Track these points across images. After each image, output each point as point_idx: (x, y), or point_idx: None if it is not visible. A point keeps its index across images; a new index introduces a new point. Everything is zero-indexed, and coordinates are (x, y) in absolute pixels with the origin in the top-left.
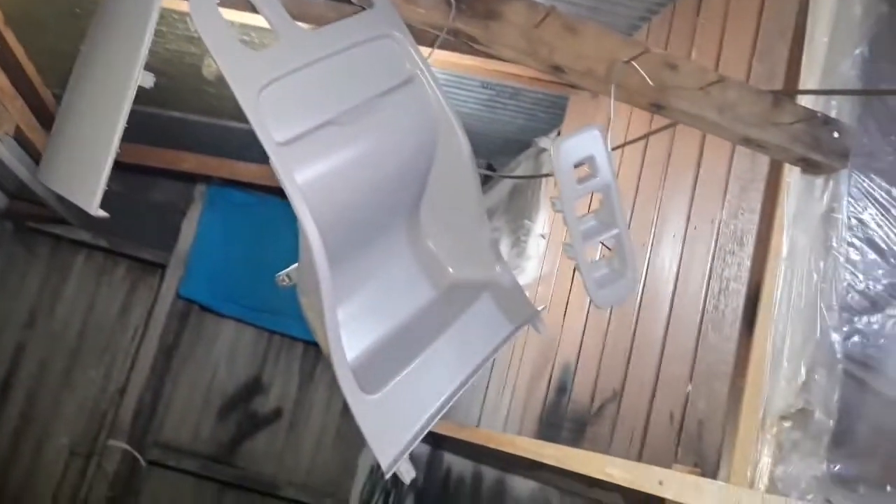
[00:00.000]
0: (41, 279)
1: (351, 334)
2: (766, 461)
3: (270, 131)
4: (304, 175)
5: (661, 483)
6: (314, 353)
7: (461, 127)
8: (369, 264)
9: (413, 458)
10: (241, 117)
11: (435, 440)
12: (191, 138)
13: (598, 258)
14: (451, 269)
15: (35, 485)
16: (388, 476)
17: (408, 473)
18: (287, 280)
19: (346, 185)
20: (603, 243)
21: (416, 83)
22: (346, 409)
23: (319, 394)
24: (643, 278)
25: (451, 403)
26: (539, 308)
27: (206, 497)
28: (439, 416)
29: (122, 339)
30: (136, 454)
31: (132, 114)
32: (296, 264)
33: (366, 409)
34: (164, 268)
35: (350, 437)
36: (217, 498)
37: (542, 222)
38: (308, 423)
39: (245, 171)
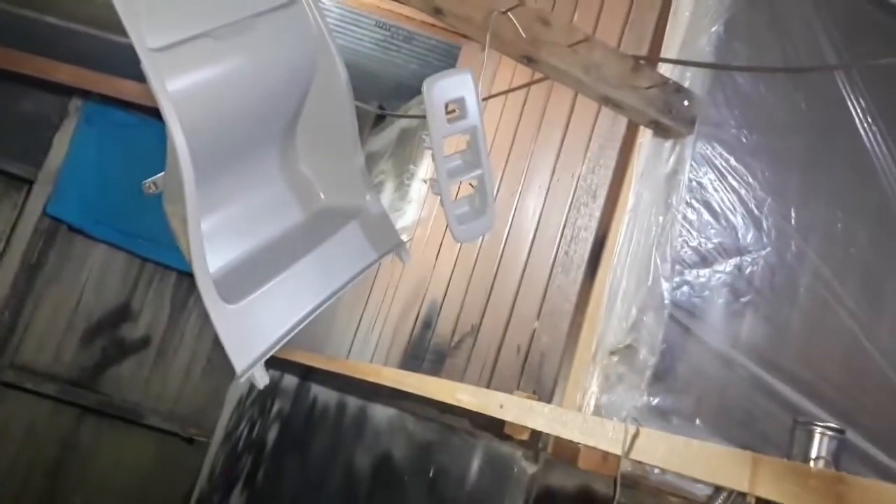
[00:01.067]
0: None
1: (215, 246)
2: (594, 390)
3: (144, 36)
4: (175, 84)
5: (501, 406)
6: (187, 282)
7: (339, 54)
8: (239, 181)
9: (281, 390)
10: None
11: (303, 372)
12: (70, 49)
13: (460, 196)
14: (322, 195)
15: None
16: (241, 380)
17: (261, 379)
18: (153, 188)
19: (219, 100)
20: (470, 184)
21: (298, 6)
22: (217, 341)
23: (191, 324)
24: (509, 224)
25: (307, 321)
26: (404, 239)
27: (64, 422)
28: (295, 332)
29: None
30: None
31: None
32: (163, 172)
33: (224, 318)
34: (31, 183)
35: (220, 368)
36: (76, 423)
37: (426, 168)
38: (177, 353)
39: (127, 88)
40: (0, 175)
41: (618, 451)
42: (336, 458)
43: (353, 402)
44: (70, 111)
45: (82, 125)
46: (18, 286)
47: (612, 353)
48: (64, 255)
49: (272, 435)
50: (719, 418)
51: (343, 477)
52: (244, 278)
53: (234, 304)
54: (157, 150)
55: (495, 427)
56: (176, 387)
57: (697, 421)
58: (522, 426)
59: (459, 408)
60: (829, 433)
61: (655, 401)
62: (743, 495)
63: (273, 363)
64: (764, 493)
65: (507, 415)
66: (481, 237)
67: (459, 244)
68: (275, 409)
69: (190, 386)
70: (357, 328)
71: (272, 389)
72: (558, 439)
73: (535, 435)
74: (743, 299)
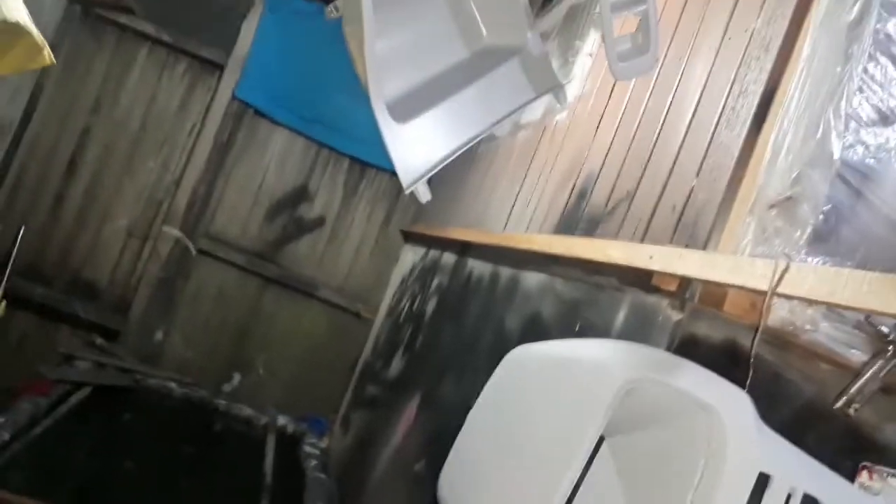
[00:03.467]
0: (106, 67)
1: (386, 72)
2: (748, 240)
3: None
4: None
5: (651, 258)
6: (359, 168)
7: None
8: (410, 11)
9: (440, 266)
10: None
11: (461, 248)
12: None
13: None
14: (485, 32)
15: (96, 261)
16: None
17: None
18: (335, 12)
19: None
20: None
21: None
22: (385, 224)
23: (361, 208)
24: (675, 89)
25: (467, 146)
26: (563, 82)
27: (249, 288)
28: (455, 155)
29: (180, 134)
30: (188, 242)
31: None
32: None
33: (394, 135)
34: (222, 68)
35: (385, 251)
36: (260, 291)
37: (591, 42)
38: (349, 234)
39: None
40: (196, 60)
41: (765, 286)
42: (488, 321)
43: (505, 272)
44: (255, 0)
45: (266, 13)
46: (211, 164)
47: (772, 206)
48: (250, 136)
49: (430, 307)
50: None
51: (493, 336)
52: (412, 103)
53: (402, 123)
54: (334, 39)
55: (643, 282)
56: (346, 265)
57: None
58: (671, 276)
59: (608, 267)
60: None
61: (815, 261)
62: None
63: (435, 244)
64: None
65: (656, 265)
66: (639, 77)
67: (621, 116)
68: (434, 283)
69: (359, 265)
70: (514, 203)
71: (433, 267)
72: (706, 287)
73: (684, 285)
74: None
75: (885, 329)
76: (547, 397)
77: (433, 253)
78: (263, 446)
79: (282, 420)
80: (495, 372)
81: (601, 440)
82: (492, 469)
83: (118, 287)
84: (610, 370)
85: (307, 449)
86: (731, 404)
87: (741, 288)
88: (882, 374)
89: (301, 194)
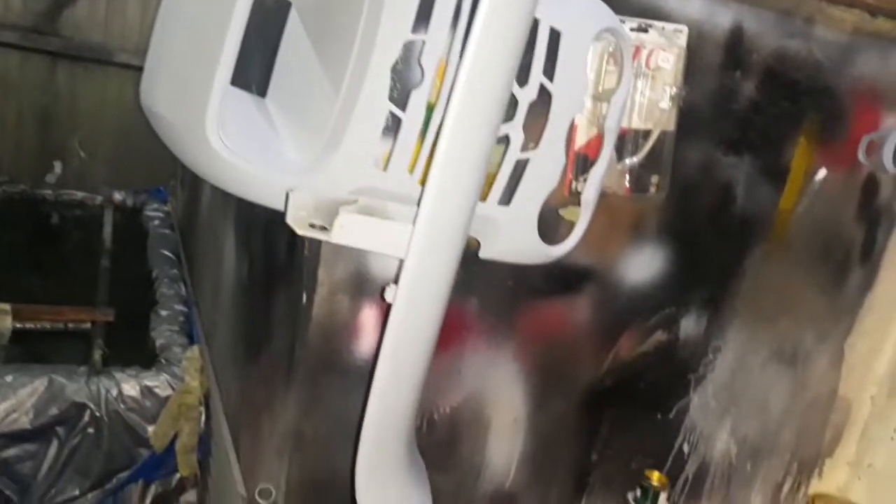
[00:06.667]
0: None
1: None
2: None
3: None
4: None
5: None
6: None
7: None
8: None
9: None
10: None
11: None
12: None
13: None
14: None
15: None
16: None
17: None
18: None
19: None
20: None
21: None
22: None
23: None
24: None
25: None
26: None
27: (37, 69)
28: None
29: None
30: None
31: None
32: None
33: None
34: None
35: None
36: (50, 69)
37: None
38: None
39: None
40: None
41: None
42: None
43: None
44: None
45: None
46: None
47: None
48: None
49: None
50: None
51: None
52: None
53: None
54: None
55: None
56: (136, 22)
57: None
58: None
59: None
60: None
61: None
62: None
63: None
64: None
65: None
66: None
67: None
68: None
69: (149, 17)
70: None
71: None
72: None
73: None
74: None
75: None
76: None
77: None
78: (101, 220)
79: (118, 196)
80: None
81: (288, 8)
82: (175, 56)
83: None
84: None
85: (149, 213)
86: None
87: None
88: None
89: None
